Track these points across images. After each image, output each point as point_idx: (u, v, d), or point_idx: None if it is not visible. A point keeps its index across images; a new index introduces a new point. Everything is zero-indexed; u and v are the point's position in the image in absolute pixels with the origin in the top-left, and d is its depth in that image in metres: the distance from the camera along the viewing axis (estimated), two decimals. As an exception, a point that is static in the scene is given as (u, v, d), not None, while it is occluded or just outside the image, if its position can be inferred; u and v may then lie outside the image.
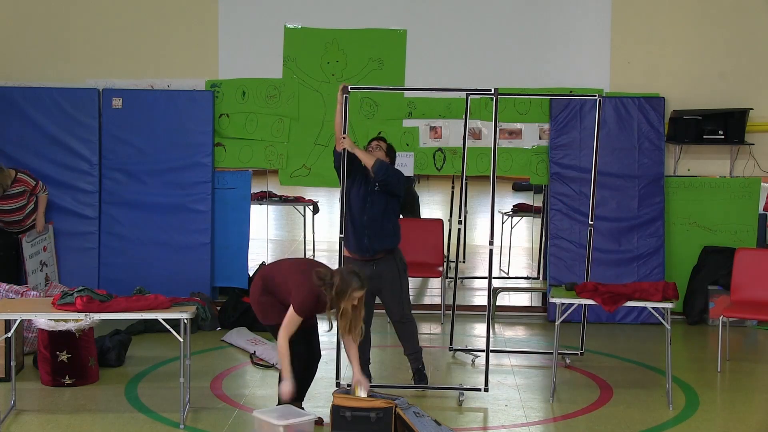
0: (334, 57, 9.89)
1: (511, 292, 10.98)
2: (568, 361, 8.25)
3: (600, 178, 9.16)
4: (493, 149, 7.20)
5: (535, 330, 9.59)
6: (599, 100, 8.19)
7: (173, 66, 9.99)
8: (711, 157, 9.90)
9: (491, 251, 7.30)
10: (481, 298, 10.60)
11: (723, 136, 9.68)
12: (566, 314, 7.26)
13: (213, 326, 9.30)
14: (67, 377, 7.40)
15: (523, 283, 11.75)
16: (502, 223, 12.09)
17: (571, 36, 9.85)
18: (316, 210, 12.21)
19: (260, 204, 11.47)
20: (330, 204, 14.57)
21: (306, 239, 12.27)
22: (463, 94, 8.57)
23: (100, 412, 6.92)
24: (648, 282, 7.47)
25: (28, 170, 9.47)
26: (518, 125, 9.89)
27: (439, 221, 10.36)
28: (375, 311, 7.60)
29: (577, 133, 9.73)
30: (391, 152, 7.46)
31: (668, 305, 7.09)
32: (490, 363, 7.31)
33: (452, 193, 12.10)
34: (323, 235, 13.01)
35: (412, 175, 10.22)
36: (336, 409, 6.31)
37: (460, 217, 9.20)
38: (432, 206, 16.29)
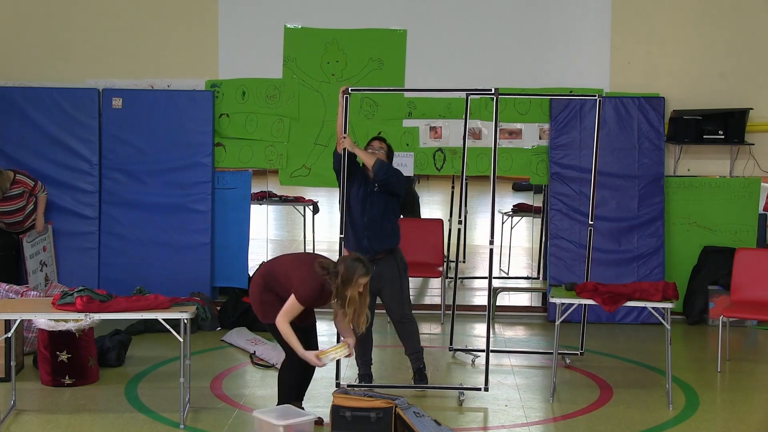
0: (334, 57, 9.89)
1: (511, 292, 10.98)
2: (568, 361, 8.25)
3: (600, 178, 9.16)
4: (493, 149, 7.20)
5: (535, 330, 9.59)
6: (599, 100, 8.19)
7: (173, 66, 9.99)
8: (711, 157, 9.90)
9: (491, 251, 7.31)
10: (481, 298, 10.60)
11: (723, 136, 9.68)
12: (566, 314, 7.26)
13: (213, 326, 9.30)
14: (67, 377, 7.40)
15: (523, 283, 11.75)
16: (502, 223, 12.09)
17: (571, 36, 9.84)
18: (316, 210, 12.21)
19: (260, 204, 11.47)
20: (330, 204, 14.56)
21: (306, 239, 12.27)
22: (463, 94, 8.56)
23: (100, 412, 6.92)
24: (648, 282, 7.47)
25: (26, 171, 9.46)
26: (518, 125, 9.89)
27: (439, 221, 10.36)
28: (375, 311, 7.58)
29: (577, 133, 9.73)
30: (390, 153, 7.46)
31: (668, 305, 7.09)
32: (490, 363, 7.31)
33: (452, 193, 12.09)
34: (323, 235, 13.01)
35: (412, 174, 10.22)
36: (336, 409, 6.31)
37: (460, 217, 9.21)
38: (432, 206, 16.28)
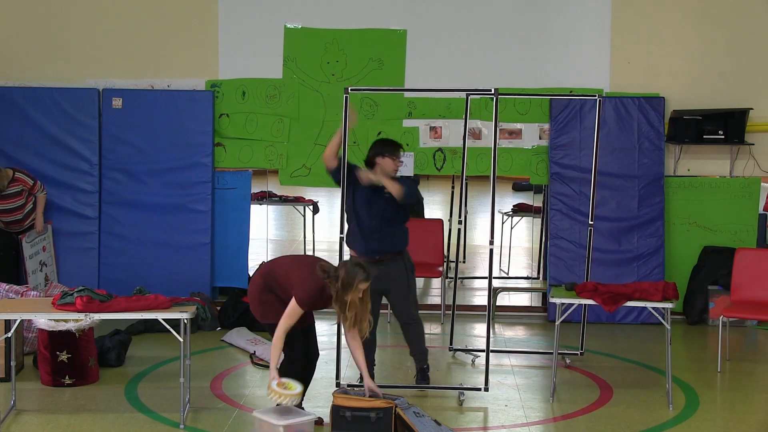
0: (334, 57, 9.89)
1: (511, 292, 10.98)
2: (568, 361, 8.25)
3: (600, 178, 9.16)
4: (493, 149, 7.19)
5: (535, 330, 9.59)
6: (599, 100, 8.19)
7: (173, 66, 9.99)
8: (711, 157, 9.90)
9: (491, 251, 7.30)
10: (481, 298, 10.60)
11: (723, 136, 9.68)
12: (566, 314, 7.26)
13: (213, 326, 9.30)
14: (67, 377, 7.40)
15: (523, 283, 11.75)
16: (502, 223, 12.09)
17: (571, 36, 9.85)
18: (316, 210, 12.20)
19: (260, 204, 11.47)
20: (330, 204, 14.56)
21: (306, 239, 12.27)
22: (463, 94, 8.56)
23: (100, 412, 6.92)
24: (648, 282, 7.47)
25: (26, 170, 9.46)
26: (518, 125, 9.89)
27: (439, 221, 10.35)
28: (379, 312, 7.55)
29: (577, 133, 9.73)
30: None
31: (668, 305, 7.08)
32: (490, 363, 7.31)
33: (452, 193, 12.10)
34: (323, 235, 13.01)
35: (412, 174, 10.22)
36: (336, 409, 6.31)
37: (460, 217, 9.21)
38: (432, 206, 16.24)
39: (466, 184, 8.86)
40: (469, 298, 10.67)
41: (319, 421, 6.52)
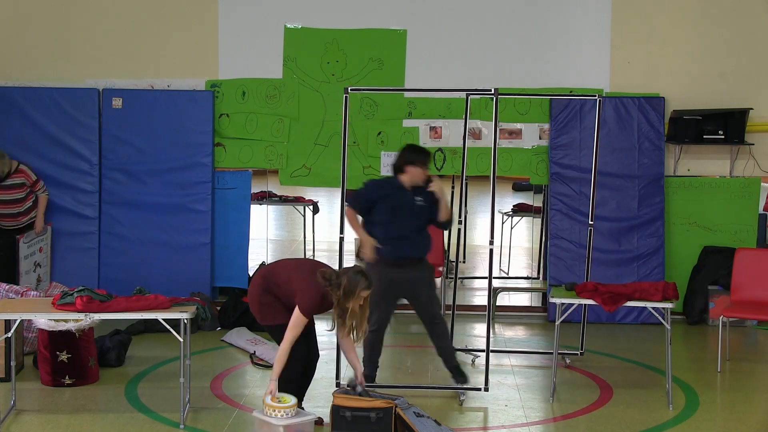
0: (334, 57, 9.89)
1: (511, 292, 10.98)
2: (568, 361, 8.25)
3: (600, 178, 9.16)
4: (493, 149, 7.19)
5: (535, 330, 9.59)
6: (599, 100, 8.20)
7: (173, 66, 9.99)
8: (711, 157, 9.90)
9: (491, 251, 7.31)
10: (481, 298, 10.60)
11: (723, 136, 9.68)
12: (566, 314, 7.26)
13: (213, 326, 9.30)
14: (67, 377, 7.40)
15: (523, 283, 11.75)
16: (502, 223, 12.09)
17: (571, 36, 9.84)
18: (316, 210, 12.21)
19: (260, 204, 11.48)
20: (330, 204, 14.56)
21: (306, 239, 12.27)
22: (463, 94, 8.56)
23: (100, 412, 6.92)
24: (648, 282, 7.47)
25: (32, 166, 9.45)
26: (518, 125, 9.89)
27: (439, 221, 10.33)
28: (394, 314, 7.53)
29: (577, 133, 9.73)
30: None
31: (668, 305, 7.08)
32: (490, 363, 7.32)
33: (452, 193, 12.08)
34: (323, 235, 13.01)
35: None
36: (336, 409, 6.31)
37: (460, 217, 9.20)
38: (432, 206, 16.25)
39: (466, 184, 8.86)
40: (469, 298, 10.67)
41: (319, 421, 6.52)
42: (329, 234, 12.95)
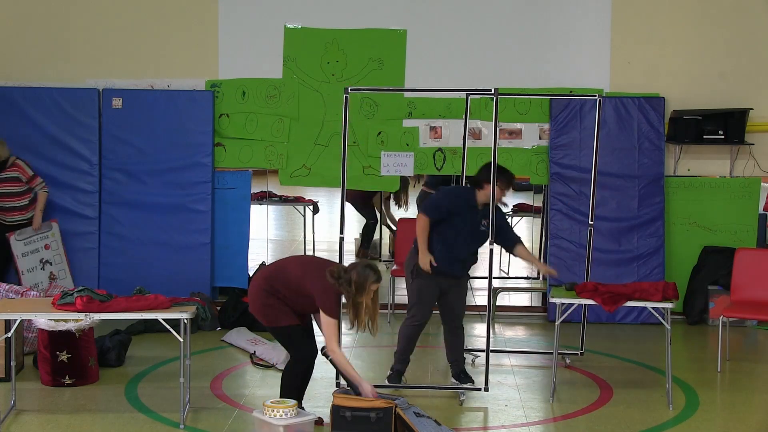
0: (334, 57, 9.88)
1: (511, 292, 10.99)
2: (568, 361, 8.25)
3: (600, 178, 9.15)
4: (493, 149, 7.20)
5: (535, 330, 9.59)
6: (599, 100, 8.20)
7: (173, 66, 9.99)
8: (711, 157, 9.90)
9: (491, 251, 7.32)
10: (481, 298, 10.59)
11: (723, 136, 9.68)
12: (566, 314, 7.26)
13: (213, 326, 9.30)
14: (67, 377, 7.40)
15: (523, 283, 11.75)
16: (502, 223, 12.06)
17: (571, 36, 9.84)
18: (316, 210, 12.21)
19: (260, 204, 11.48)
20: (330, 204, 14.57)
21: (306, 239, 12.27)
22: (463, 94, 8.57)
23: (100, 412, 6.92)
24: (648, 282, 7.47)
25: (29, 162, 9.43)
26: (518, 125, 9.89)
27: (439, 221, 10.33)
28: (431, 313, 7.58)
29: (577, 133, 9.73)
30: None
31: (668, 305, 7.08)
32: (490, 363, 7.32)
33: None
34: (323, 235, 13.01)
35: (412, 174, 10.26)
36: (336, 409, 6.30)
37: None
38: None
39: (466, 184, 8.84)
40: (469, 298, 10.63)
41: (319, 421, 6.52)
42: (329, 234, 12.96)
